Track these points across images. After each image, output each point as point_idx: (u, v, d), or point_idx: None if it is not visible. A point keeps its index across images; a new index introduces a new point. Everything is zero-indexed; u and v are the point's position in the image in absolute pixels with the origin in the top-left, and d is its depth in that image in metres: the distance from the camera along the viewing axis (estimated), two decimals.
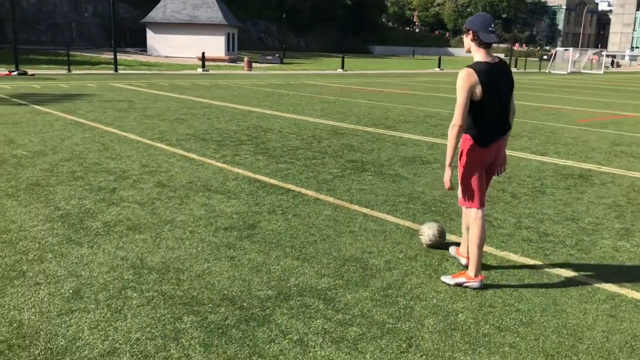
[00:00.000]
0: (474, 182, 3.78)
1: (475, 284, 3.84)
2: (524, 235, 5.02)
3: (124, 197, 5.80)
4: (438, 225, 4.65)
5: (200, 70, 31.16)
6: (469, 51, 3.82)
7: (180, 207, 5.54)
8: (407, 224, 5.24)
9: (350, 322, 3.36)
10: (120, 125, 10.57)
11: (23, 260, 4.14)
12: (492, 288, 3.89)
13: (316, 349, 3.05)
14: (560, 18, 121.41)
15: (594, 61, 55.27)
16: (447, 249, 4.56)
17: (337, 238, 4.79)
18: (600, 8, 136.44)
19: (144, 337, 3.12)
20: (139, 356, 2.94)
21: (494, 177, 4.41)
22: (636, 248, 4.81)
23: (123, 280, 3.85)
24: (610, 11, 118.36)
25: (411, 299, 3.70)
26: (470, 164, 3.78)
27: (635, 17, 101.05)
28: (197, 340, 3.11)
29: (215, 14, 47.72)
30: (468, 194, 3.82)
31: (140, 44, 50.68)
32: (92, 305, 3.47)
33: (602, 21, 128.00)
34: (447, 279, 3.96)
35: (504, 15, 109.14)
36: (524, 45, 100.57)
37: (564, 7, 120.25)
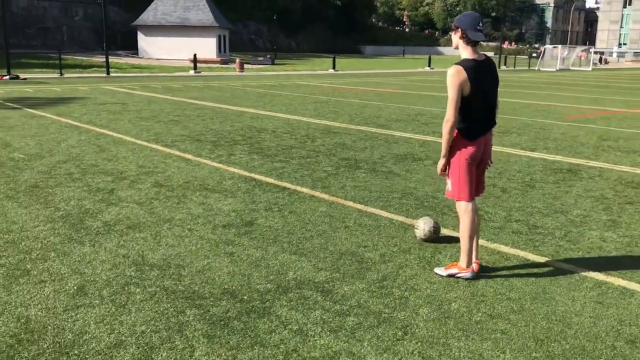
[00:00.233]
0: (463, 175, 3.91)
1: (467, 274, 3.98)
2: (514, 228, 5.17)
3: (123, 198, 5.90)
4: (434, 221, 4.77)
5: (192, 72, 31.22)
6: (456, 48, 3.94)
7: (178, 206, 5.64)
8: (401, 218, 5.37)
9: (347, 312, 3.49)
10: (115, 127, 10.65)
11: (27, 259, 4.24)
12: (484, 278, 4.03)
13: (315, 338, 3.18)
14: (549, 16, 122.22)
15: (582, 58, 55.71)
16: (441, 243, 4.69)
17: (332, 233, 4.91)
18: (587, 5, 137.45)
19: (148, 330, 3.23)
20: (145, 348, 3.05)
21: (485, 173, 4.51)
22: (622, 238, 4.96)
23: (125, 276, 3.96)
24: (598, 8, 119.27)
25: (406, 289, 3.83)
26: (459, 158, 3.91)
27: (622, 14, 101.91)
28: (200, 332, 3.22)
29: (206, 16, 47.78)
30: (458, 187, 3.94)
31: (131, 47, 50.65)
32: (97, 301, 3.58)
33: (590, 18, 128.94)
34: (440, 270, 4.09)
35: (493, 14, 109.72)
36: (513, 43, 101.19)
37: (552, 5, 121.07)
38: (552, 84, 28.63)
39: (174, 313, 3.44)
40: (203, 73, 31.63)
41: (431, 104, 16.42)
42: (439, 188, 6.45)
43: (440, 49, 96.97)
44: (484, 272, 4.10)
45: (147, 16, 48.04)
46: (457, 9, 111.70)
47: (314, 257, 4.37)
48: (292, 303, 3.59)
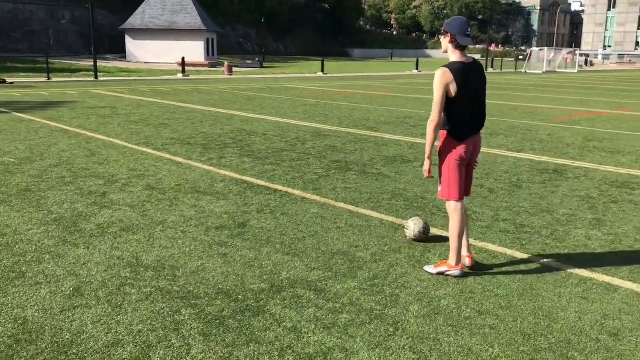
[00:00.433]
0: (453, 175, 4.01)
1: (456, 272, 4.07)
2: (501, 227, 5.28)
3: (115, 201, 5.95)
4: (423, 221, 4.87)
5: (180, 75, 31.19)
6: (446, 52, 4.05)
7: (170, 208, 5.70)
8: (391, 219, 5.47)
9: (340, 310, 3.57)
10: (105, 131, 10.67)
11: (22, 261, 4.27)
12: (472, 276, 4.13)
13: (309, 335, 3.25)
14: (535, 19, 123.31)
15: (568, 60, 56.33)
16: (430, 242, 4.79)
17: (324, 234, 4.99)
18: (573, 8, 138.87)
19: (145, 329, 3.29)
20: (142, 346, 3.11)
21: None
22: (607, 236, 5.08)
23: (121, 277, 4.01)
24: (583, 11, 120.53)
25: (397, 287, 3.92)
26: (448, 159, 4.01)
27: (607, 17, 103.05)
28: (196, 330, 3.29)
29: (194, 19, 47.73)
30: (447, 187, 4.04)
31: (119, 51, 50.46)
32: (93, 302, 3.63)
33: (576, 21, 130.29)
34: (429, 268, 4.19)
35: (480, 17, 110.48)
36: (500, 45, 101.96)
37: (538, 7, 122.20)
38: (538, 86, 28.94)
39: (170, 313, 3.50)
40: (191, 76, 31.61)
41: (419, 107, 16.56)
42: (428, 189, 6.56)
43: (428, 51, 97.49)
44: (471, 270, 4.20)
45: (135, 20, 47.91)
46: (445, 12, 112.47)
47: (307, 257, 4.44)
48: (285, 302, 3.67)
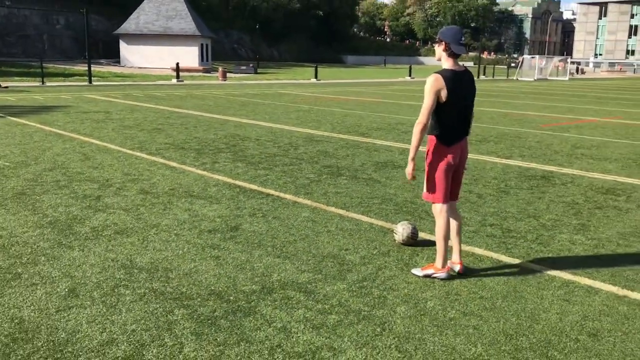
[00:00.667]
0: (439, 178, 4.13)
1: (442, 274, 4.19)
2: (488, 232, 5.40)
3: (109, 204, 6.03)
4: (412, 226, 4.98)
5: (174, 80, 31.27)
6: (439, 60, 4.18)
7: (164, 212, 5.79)
8: (381, 223, 5.58)
9: (329, 310, 3.67)
10: (99, 135, 10.74)
11: (17, 263, 4.35)
12: (458, 278, 4.24)
13: (298, 335, 3.35)
14: (527, 26, 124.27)
15: (559, 68, 56.81)
16: (418, 246, 4.91)
17: (315, 237, 5.10)
18: (565, 17, 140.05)
19: (139, 329, 3.38)
20: (136, 345, 3.20)
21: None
22: (590, 241, 5.22)
23: (115, 279, 4.10)
24: (575, 20, 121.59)
25: (384, 289, 4.03)
26: (435, 162, 4.13)
27: (598, 26, 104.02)
28: (189, 330, 3.38)
29: (188, 25, 47.86)
30: (433, 190, 4.17)
31: (113, 56, 50.50)
32: (88, 302, 3.72)
33: (567, 29, 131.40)
34: (417, 271, 4.30)
35: (473, 24, 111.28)
36: (492, 53, 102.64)
37: (530, 15, 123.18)
38: (529, 93, 29.21)
39: (163, 313, 3.59)
40: (186, 82, 31.70)
41: (411, 113, 16.72)
42: (418, 194, 6.68)
43: (421, 58, 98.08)
44: (458, 273, 4.31)
45: (129, 25, 48.00)
46: (438, 19, 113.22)
47: (297, 259, 4.55)
48: (276, 303, 3.77)
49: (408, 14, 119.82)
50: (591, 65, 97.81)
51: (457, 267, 4.33)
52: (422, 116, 4.04)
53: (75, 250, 4.66)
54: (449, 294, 3.97)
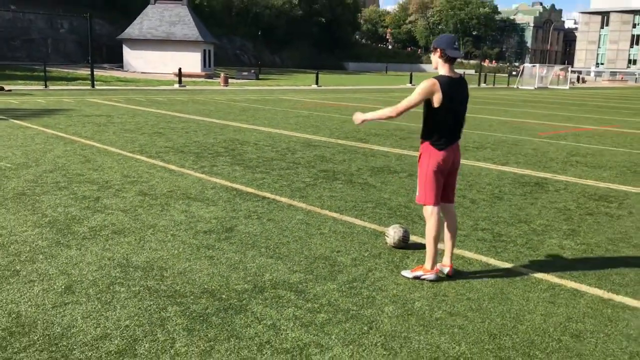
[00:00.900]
0: (430, 181, 4.23)
1: (431, 276, 4.28)
2: (479, 236, 5.49)
3: (108, 205, 6.13)
4: (404, 229, 5.08)
5: (177, 85, 31.45)
6: (436, 68, 4.30)
7: (161, 213, 5.89)
8: (373, 226, 5.68)
9: (318, 309, 3.76)
10: (100, 139, 10.86)
11: (16, 261, 4.45)
12: (447, 280, 4.33)
13: (287, 332, 3.44)
14: (529, 35, 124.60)
15: (560, 77, 56.95)
16: (409, 249, 5.00)
17: (308, 239, 5.19)
18: (566, 26, 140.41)
19: (132, 324, 3.47)
20: (129, 340, 3.29)
21: (456, 185, 4.77)
22: (579, 246, 5.30)
23: (111, 277, 4.19)
24: (576, 29, 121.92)
25: (374, 290, 4.12)
26: (426, 165, 4.24)
27: (600, 35, 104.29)
28: (181, 326, 3.48)
29: (191, 30, 48.13)
30: (424, 192, 4.27)
31: (116, 60, 50.78)
32: (84, 299, 3.81)
33: (569, 38, 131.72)
34: (406, 272, 4.39)
35: (475, 33, 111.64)
36: (493, 61, 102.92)
37: (532, 24, 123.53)
38: (529, 101, 29.33)
39: (157, 309, 3.68)
40: (188, 87, 31.88)
41: (410, 120, 16.80)
42: (412, 199, 6.77)
43: (423, 66, 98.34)
44: (446, 275, 4.40)
45: (133, 30, 48.28)
46: (440, 27, 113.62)
47: (290, 260, 4.64)
48: (267, 301, 3.86)
49: (410, 22, 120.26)
50: (592, 74, 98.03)
51: (446, 270, 4.42)
52: (400, 107, 4.27)
53: (72, 249, 4.75)
54: (436, 295, 4.06)
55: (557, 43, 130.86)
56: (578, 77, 72.59)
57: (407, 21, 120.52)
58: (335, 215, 6.03)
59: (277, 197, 6.70)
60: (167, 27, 48.22)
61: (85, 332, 3.36)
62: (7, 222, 5.42)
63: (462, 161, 9.34)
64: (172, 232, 5.28)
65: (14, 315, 3.53)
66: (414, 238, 5.26)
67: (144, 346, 3.22)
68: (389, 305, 3.86)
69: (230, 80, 37.97)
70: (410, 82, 44.48)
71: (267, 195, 6.80)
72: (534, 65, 56.08)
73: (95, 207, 6.05)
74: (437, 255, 4.39)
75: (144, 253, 4.70)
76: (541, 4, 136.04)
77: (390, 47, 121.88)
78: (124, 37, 48.10)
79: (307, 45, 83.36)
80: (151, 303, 3.77)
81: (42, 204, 6.09)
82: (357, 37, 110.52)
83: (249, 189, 7.06)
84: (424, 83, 4.15)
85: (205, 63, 49.18)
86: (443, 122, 4.20)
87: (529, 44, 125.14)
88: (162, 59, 46.96)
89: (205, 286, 4.07)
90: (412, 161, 9.00)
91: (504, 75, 71.77)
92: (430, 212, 4.25)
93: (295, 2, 78.01)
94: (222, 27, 67.85)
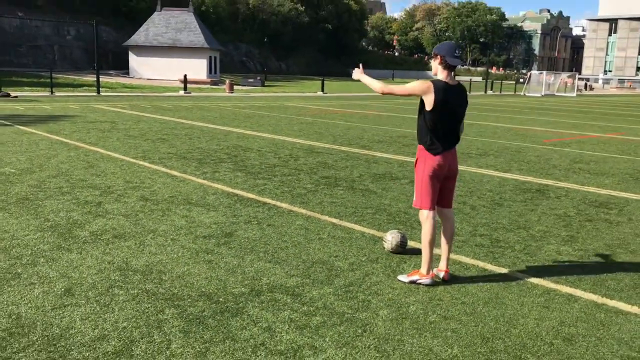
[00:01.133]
0: (425, 186, 4.28)
1: (427, 280, 4.31)
2: (477, 242, 5.52)
3: (109, 210, 6.21)
4: (401, 235, 5.12)
5: (182, 92, 31.62)
6: (436, 74, 4.37)
7: (162, 218, 5.95)
8: (372, 232, 5.72)
9: (314, 313, 3.81)
10: (104, 145, 10.97)
11: (17, 264, 4.52)
12: (442, 285, 4.37)
13: (282, 334, 3.49)
14: (536, 42, 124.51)
15: (567, 84, 56.85)
16: (407, 254, 5.04)
17: (307, 244, 5.24)
18: (574, 33, 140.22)
19: (130, 326, 3.53)
20: (126, 341, 3.35)
21: (457, 191, 4.79)
22: (577, 252, 5.33)
23: (110, 280, 4.25)
24: (584, 36, 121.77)
25: (369, 294, 4.16)
26: (422, 170, 4.29)
27: (608, 42, 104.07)
28: (177, 328, 3.53)
29: (197, 37, 48.42)
30: (420, 197, 4.32)
31: (122, 67, 51.11)
32: (83, 301, 3.87)
33: (577, 45, 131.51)
34: (403, 277, 4.43)
35: (482, 40, 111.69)
36: (500, 68, 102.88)
37: (540, 31, 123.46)
38: (535, 108, 29.32)
39: (154, 312, 3.74)
40: (193, 93, 32.05)
41: (414, 126, 16.86)
42: (411, 205, 6.79)
43: (430, 73, 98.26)
44: (442, 280, 4.44)
45: (139, 37, 48.62)
46: (447, 34, 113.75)
47: (287, 265, 4.69)
48: (263, 304, 3.91)
49: (417, 29, 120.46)
50: (600, 81, 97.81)
51: (442, 274, 4.46)
52: (389, 88, 4.41)
53: (73, 252, 4.82)
54: (431, 299, 4.10)
55: (564, 50, 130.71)
56: (585, 85, 72.43)
57: (414, 28, 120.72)
58: (334, 220, 6.07)
59: (278, 203, 6.75)
60: (173, 34, 48.54)
61: (83, 333, 3.42)
62: (9, 226, 5.50)
63: (464, 168, 9.40)
64: (172, 236, 5.34)
65: (14, 317, 3.60)
66: (411, 243, 5.30)
67: (141, 347, 3.27)
68: (384, 309, 3.90)
69: (235, 87, 38.15)
70: None
71: (268, 201, 6.86)
72: (541, 73, 56.03)
73: (97, 211, 6.13)
74: (433, 259, 4.43)
75: (144, 257, 4.76)
76: (549, 11, 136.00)
77: (397, 54, 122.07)
78: (130, 44, 48.44)
79: (314, 52, 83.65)
80: (149, 306, 3.83)
81: (45, 209, 6.17)
82: (363, 44, 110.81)
83: (250, 195, 7.12)
84: (420, 81, 4.26)
85: (211, 70, 49.44)
86: (437, 127, 4.25)
87: (536, 51, 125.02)
88: (168, 66, 47.24)
89: (203, 289, 4.12)
90: (410, 168, 9.02)
91: (511, 82, 71.76)
92: (425, 217, 4.30)
93: (302, 9, 78.34)
94: (228, 34, 68.20)
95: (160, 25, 49.04)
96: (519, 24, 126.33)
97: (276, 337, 3.45)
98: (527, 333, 3.62)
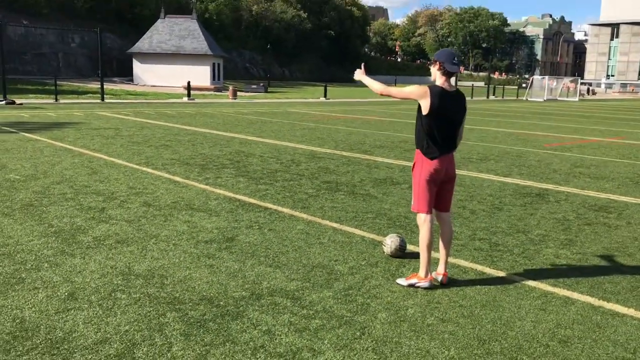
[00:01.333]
0: (422, 190, 4.34)
1: (425, 283, 4.36)
2: (476, 246, 5.57)
3: (113, 216, 6.28)
4: (400, 239, 5.17)
5: (186, 99, 31.77)
6: (434, 80, 4.44)
7: (164, 223, 6.02)
8: (372, 236, 5.77)
9: (313, 316, 3.86)
10: (107, 151, 11.06)
11: (21, 269, 4.59)
12: (441, 288, 4.42)
13: (282, 337, 3.54)
14: (539, 47, 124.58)
15: (570, 89, 56.86)
16: (406, 258, 5.09)
17: (307, 249, 5.29)
18: (576, 37, 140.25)
19: (132, 330, 3.59)
20: (128, 344, 3.41)
21: (457, 196, 4.84)
22: (575, 255, 5.37)
23: (113, 284, 4.32)
24: (586, 41, 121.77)
25: (368, 297, 4.21)
26: (419, 174, 4.37)
27: (610, 47, 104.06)
28: (178, 331, 3.59)
29: (200, 44, 48.64)
30: (417, 200, 4.38)
31: (126, 74, 51.38)
32: (86, 305, 3.94)
33: (579, 50, 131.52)
34: (401, 280, 4.48)
35: (484, 45, 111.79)
36: (503, 73, 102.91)
37: (542, 36, 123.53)
38: (537, 113, 29.35)
39: (156, 315, 3.80)
40: (197, 100, 32.20)
41: None
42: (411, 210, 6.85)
43: (431, 78, 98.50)
44: (441, 283, 4.48)
45: (143, 44, 48.88)
46: (449, 39, 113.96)
47: (288, 269, 4.75)
48: (263, 308, 3.96)
49: (419, 35, 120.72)
50: (603, 86, 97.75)
51: (440, 278, 4.51)
52: (387, 90, 4.56)
53: (76, 257, 4.89)
54: (430, 302, 4.15)
55: (567, 55, 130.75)
56: (588, 89, 72.40)
57: (416, 34, 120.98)
58: (335, 225, 6.13)
59: (279, 208, 6.81)
60: (176, 41, 48.78)
61: (86, 336, 3.48)
62: (14, 232, 5.57)
63: (465, 173, 9.45)
64: (174, 241, 5.40)
65: (18, 320, 3.66)
66: (411, 247, 5.35)
67: (142, 350, 3.33)
68: (382, 312, 3.95)
69: (239, 94, 38.30)
70: None
71: (270, 206, 6.92)
72: (543, 77, 56.07)
73: (100, 217, 6.20)
74: (431, 262, 4.48)
75: (146, 262, 4.82)
76: (551, 16, 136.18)
77: (399, 59, 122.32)
78: (134, 51, 48.71)
79: (316, 58, 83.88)
80: (150, 309, 3.89)
81: (49, 215, 6.24)
82: (366, 50, 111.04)
83: (252, 200, 7.19)
84: (417, 86, 4.36)
85: (214, 76, 49.63)
86: (433, 131, 4.32)
87: (538, 56, 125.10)
88: (171, 73, 47.46)
89: (204, 293, 4.18)
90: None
91: (513, 87, 71.81)
92: (422, 220, 4.36)
93: (305, 16, 78.63)
94: (232, 41, 68.50)
95: (164, 32, 49.31)
96: (521, 29, 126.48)
97: (276, 339, 3.51)
98: (523, 335, 3.67)
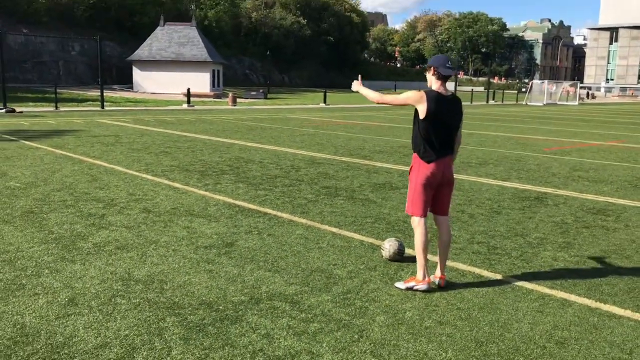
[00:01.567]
0: (418, 193, 4.38)
1: (423, 286, 4.39)
2: (474, 249, 5.60)
3: (112, 222, 6.31)
4: (399, 243, 5.20)
5: (185, 105, 31.86)
6: (430, 85, 4.49)
7: (164, 229, 6.05)
8: (371, 240, 5.80)
9: (311, 319, 3.88)
10: (107, 158, 11.10)
11: (22, 275, 4.62)
12: (439, 291, 4.44)
13: (280, 340, 3.57)
14: (538, 52, 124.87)
15: (569, 93, 56.97)
16: (404, 262, 5.11)
17: (306, 253, 5.32)
18: (575, 42, 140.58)
19: (131, 334, 3.62)
20: (128, 348, 3.43)
21: (455, 200, 4.90)
22: (573, 258, 5.39)
23: (113, 290, 4.34)
24: (585, 45, 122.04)
25: (367, 300, 4.23)
26: (415, 177, 4.41)
27: (609, 51, 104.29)
28: (178, 335, 3.61)
29: (200, 51, 48.78)
30: (412, 203, 4.42)
31: (126, 81, 51.52)
32: (86, 310, 3.96)
33: (578, 54, 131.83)
34: (399, 284, 4.51)
35: (484, 50, 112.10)
36: (502, 78, 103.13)
37: (541, 41, 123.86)
38: (537, 118, 29.41)
39: (155, 320, 3.82)
40: (196, 107, 32.28)
41: None
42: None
43: (428, 84, 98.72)
44: (439, 286, 4.51)
45: (142, 51, 49.03)
46: (448, 44, 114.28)
47: (287, 273, 4.77)
48: (262, 312, 3.99)
49: (419, 40, 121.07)
50: (602, 90, 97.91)
51: (438, 281, 4.53)
52: (384, 99, 4.65)
53: (77, 263, 4.92)
54: (427, 305, 4.17)
55: (566, 59, 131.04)
56: (588, 93, 72.52)
57: (415, 39, 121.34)
58: (334, 229, 6.16)
59: (279, 213, 6.85)
60: (176, 48, 48.93)
61: (86, 341, 3.51)
62: (14, 239, 5.61)
63: (464, 177, 9.49)
64: (173, 247, 5.43)
65: (18, 326, 3.69)
66: (409, 251, 5.37)
67: (142, 354, 3.36)
68: (381, 315, 3.97)
69: (238, 100, 38.40)
70: None
71: (269, 211, 6.95)
72: (542, 82, 56.20)
73: (100, 224, 6.23)
74: (428, 264, 4.51)
75: (146, 267, 4.85)
76: (550, 20, 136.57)
77: (398, 65, 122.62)
78: (134, 59, 48.85)
79: (316, 64, 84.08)
80: (150, 314, 3.91)
81: (49, 222, 6.27)
82: (365, 55, 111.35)
83: (251, 206, 7.22)
84: (413, 91, 4.43)
85: (214, 83, 49.76)
86: (430, 135, 4.37)
87: (538, 61, 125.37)
88: (171, 80, 47.58)
89: (203, 298, 4.21)
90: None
91: (513, 91, 71.93)
92: (417, 223, 4.40)
93: (304, 22, 78.89)
94: (231, 48, 68.73)
95: (164, 39, 49.47)
96: (520, 34, 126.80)
97: (274, 343, 3.53)
98: (520, 337, 3.69)
